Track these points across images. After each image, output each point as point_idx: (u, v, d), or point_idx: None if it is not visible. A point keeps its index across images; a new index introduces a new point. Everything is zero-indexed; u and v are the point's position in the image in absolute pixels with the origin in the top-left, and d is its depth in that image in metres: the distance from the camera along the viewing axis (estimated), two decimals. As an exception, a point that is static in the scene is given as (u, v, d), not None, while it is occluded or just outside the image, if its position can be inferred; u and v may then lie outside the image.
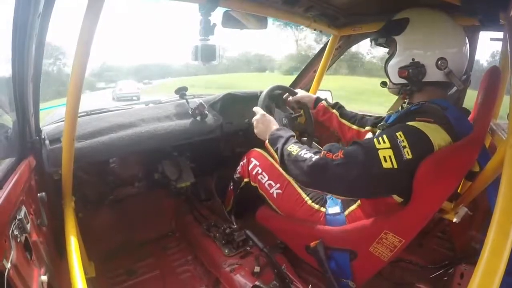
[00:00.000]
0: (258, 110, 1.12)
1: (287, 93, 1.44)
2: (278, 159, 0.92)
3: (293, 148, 0.88)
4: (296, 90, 1.43)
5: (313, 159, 0.81)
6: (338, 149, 0.81)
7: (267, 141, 0.99)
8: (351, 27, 1.43)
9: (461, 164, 0.79)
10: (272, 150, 0.96)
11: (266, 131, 1.01)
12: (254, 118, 1.10)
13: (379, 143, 0.76)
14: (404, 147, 0.74)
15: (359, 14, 1.35)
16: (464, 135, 0.79)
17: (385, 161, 0.73)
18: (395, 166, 0.73)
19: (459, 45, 0.88)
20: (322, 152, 0.82)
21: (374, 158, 0.74)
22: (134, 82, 17.35)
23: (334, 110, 1.34)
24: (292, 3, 1.15)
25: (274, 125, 1.03)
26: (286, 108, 1.49)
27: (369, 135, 1.18)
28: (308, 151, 0.84)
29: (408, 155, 0.73)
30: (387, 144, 0.75)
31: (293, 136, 0.96)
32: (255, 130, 1.08)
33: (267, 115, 1.09)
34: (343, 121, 1.31)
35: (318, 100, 1.38)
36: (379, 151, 0.74)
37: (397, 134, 0.76)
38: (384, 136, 0.76)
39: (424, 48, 0.87)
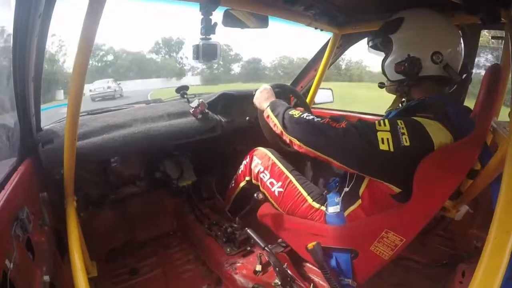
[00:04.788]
0: (265, 85, 1.15)
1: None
2: (278, 123, 0.93)
3: (295, 112, 0.91)
4: None
5: (315, 120, 0.85)
6: (342, 120, 0.83)
7: (267, 108, 1.00)
8: (351, 25, 1.43)
9: (463, 163, 0.79)
10: (272, 115, 0.97)
11: (267, 100, 1.04)
12: (259, 89, 1.12)
13: (379, 125, 0.79)
14: (403, 133, 0.76)
15: (359, 12, 1.35)
16: (465, 132, 0.80)
17: (383, 143, 0.76)
18: (391, 150, 0.75)
19: (453, 41, 0.90)
20: (326, 119, 0.84)
21: (373, 137, 0.77)
22: (110, 81, 16.41)
23: None
24: (293, 2, 1.15)
25: (275, 98, 1.06)
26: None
27: None
28: (310, 114, 0.88)
29: (406, 142, 0.75)
30: (387, 127, 0.77)
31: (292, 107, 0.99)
32: (255, 97, 1.10)
33: (272, 90, 1.11)
34: None
35: None
36: (378, 133, 0.77)
37: (398, 121, 0.78)
38: (386, 120, 0.79)
39: (418, 43, 0.89)
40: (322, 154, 0.84)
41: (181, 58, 33.34)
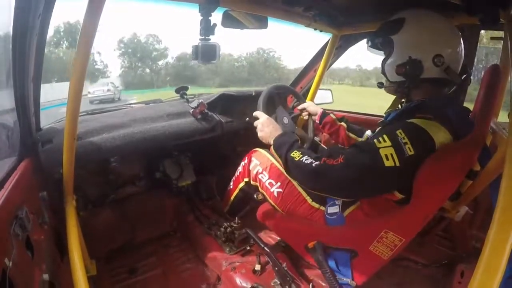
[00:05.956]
0: (261, 114, 1.11)
1: (291, 96, 1.46)
2: (282, 164, 0.94)
3: (296, 154, 0.89)
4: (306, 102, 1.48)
5: (313, 165, 0.82)
6: (339, 153, 0.81)
7: (272, 146, 1.00)
8: (351, 26, 1.43)
9: (462, 164, 0.79)
10: (276, 155, 0.98)
11: (271, 136, 1.01)
12: (258, 121, 1.08)
13: (379, 142, 0.76)
14: (405, 143, 0.74)
15: (359, 13, 1.34)
16: (465, 133, 0.80)
17: (387, 159, 0.74)
18: (397, 164, 0.73)
19: (455, 43, 0.90)
20: (322, 159, 0.83)
21: (376, 157, 0.75)
22: (110, 84, 16.06)
23: (342, 123, 1.36)
24: (292, 2, 1.15)
25: (278, 131, 1.03)
26: (287, 107, 1.49)
27: None
28: (309, 157, 0.86)
29: (410, 151, 0.74)
30: (388, 143, 0.75)
31: (297, 141, 0.97)
32: (259, 134, 1.06)
33: (271, 119, 1.08)
34: (350, 134, 1.34)
35: (324, 114, 1.39)
36: (380, 150, 0.75)
37: (397, 132, 0.76)
38: (384, 135, 0.77)
39: (420, 45, 0.89)
40: (328, 195, 0.86)
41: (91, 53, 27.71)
